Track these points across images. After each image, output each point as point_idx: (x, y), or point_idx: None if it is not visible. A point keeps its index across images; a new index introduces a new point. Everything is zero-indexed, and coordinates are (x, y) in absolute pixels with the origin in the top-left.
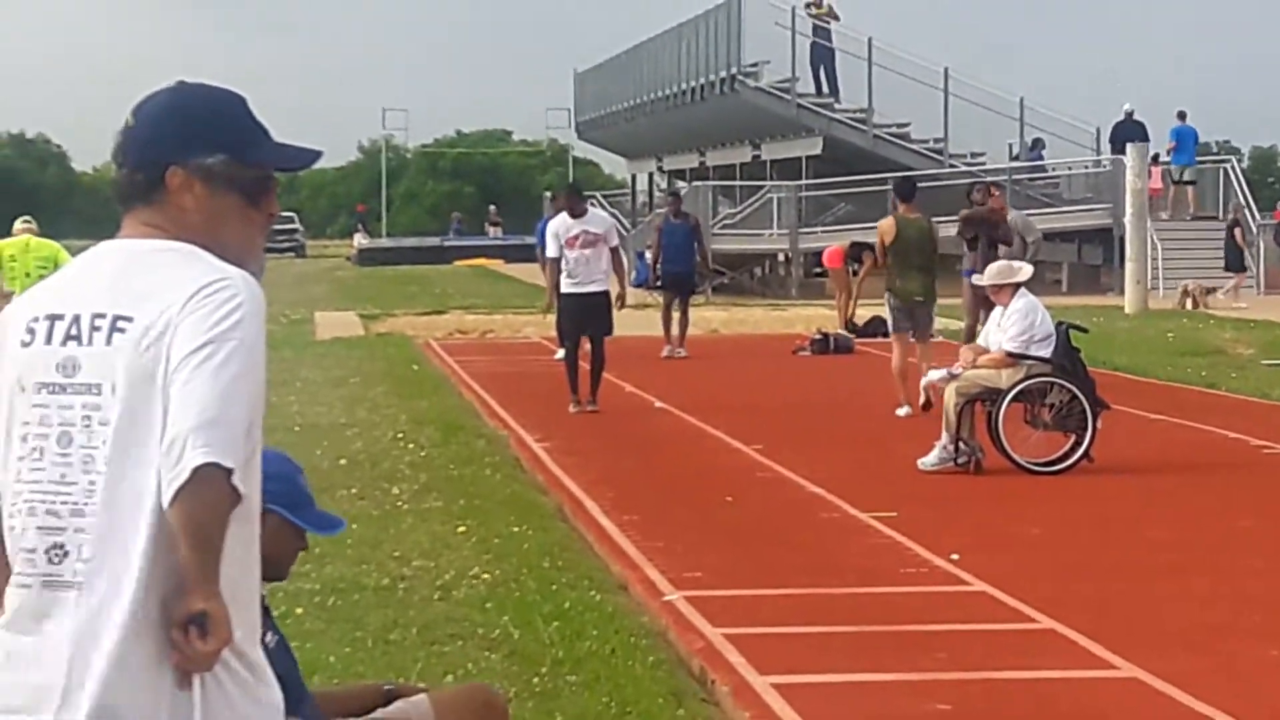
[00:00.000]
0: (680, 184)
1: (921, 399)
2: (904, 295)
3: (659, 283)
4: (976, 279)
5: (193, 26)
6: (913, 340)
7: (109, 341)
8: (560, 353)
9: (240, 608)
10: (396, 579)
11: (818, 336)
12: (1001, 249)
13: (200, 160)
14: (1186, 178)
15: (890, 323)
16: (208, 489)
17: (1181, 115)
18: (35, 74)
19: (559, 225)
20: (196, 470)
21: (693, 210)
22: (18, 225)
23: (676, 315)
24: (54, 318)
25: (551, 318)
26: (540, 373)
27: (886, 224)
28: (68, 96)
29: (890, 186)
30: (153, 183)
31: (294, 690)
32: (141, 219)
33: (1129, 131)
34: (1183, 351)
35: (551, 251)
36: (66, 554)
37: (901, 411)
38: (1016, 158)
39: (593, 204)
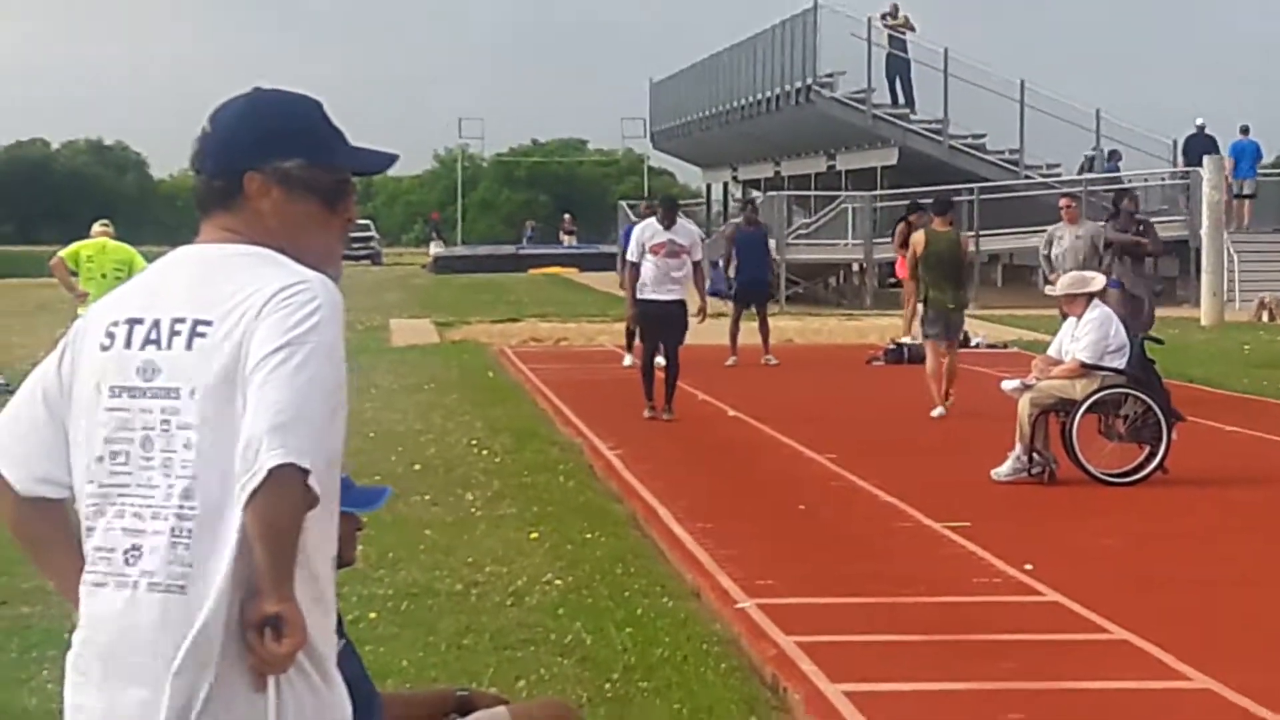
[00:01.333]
0: (755, 194)
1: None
2: (936, 304)
3: (732, 291)
4: (1049, 290)
5: (271, 35)
6: (944, 347)
7: (189, 346)
8: (628, 359)
9: (316, 610)
10: (469, 585)
11: (891, 346)
12: (1147, 261)
13: (277, 164)
14: (1246, 191)
15: (923, 330)
16: (282, 490)
17: (1244, 130)
18: (115, 81)
19: (645, 231)
20: (271, 471)
21: (768, 220)
22: (96, 228)
23: (753, 324)
24: (133, 322)
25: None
26: (614, 380)
27: (918, 237)
28: (147, 104)
29: (970, 197)
30: (230, 188)
31: (362, 694)
32: (219, 224)
33: (1200, 145)
34: (1259, 364)
35: (633, 256)
36: (142, 555)
37: (935, 413)
38: (1086, 169)
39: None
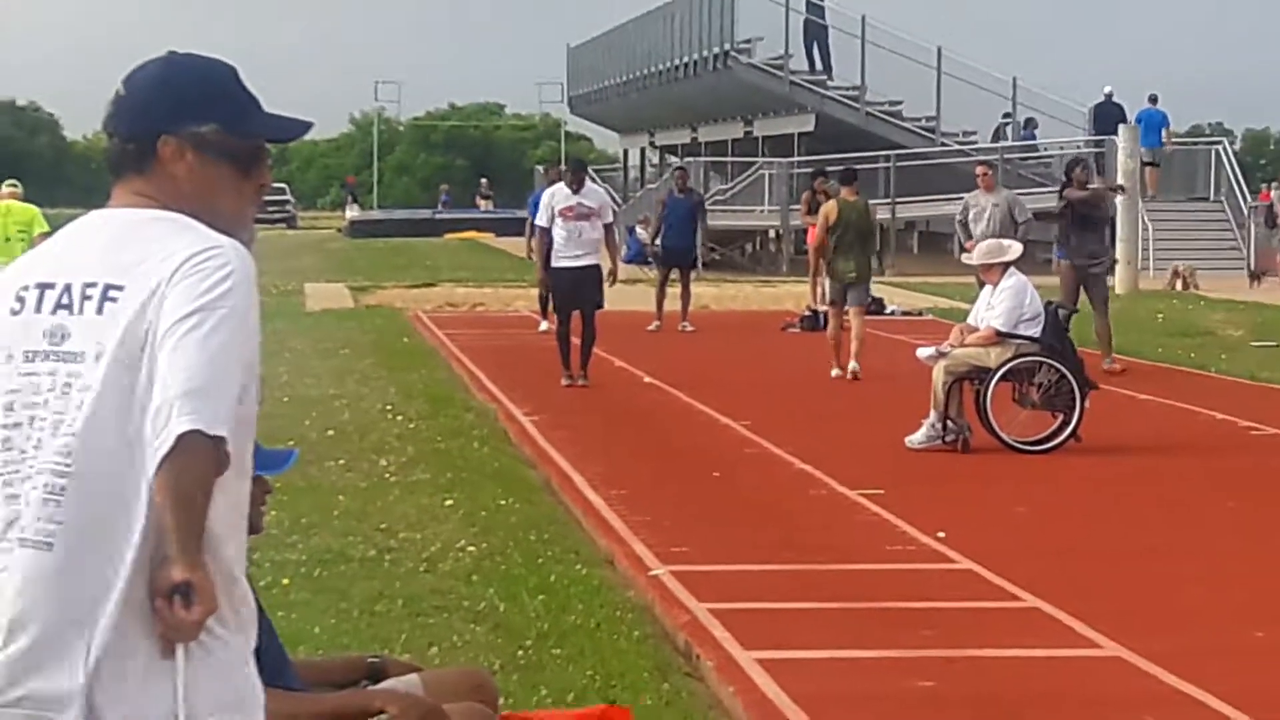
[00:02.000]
0: (672, 159)
1: (847, 372)
2: (840, 273)
3: (655, 257)
4: (966, 258)
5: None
6: (850, 314)
7: (100, 310)
8: (544, 325)
9: (225, 576)
10: (383, 551)
11: (807, 313)
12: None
13: (192, 129)
14: (1148, 159)
15: (827, 296)
16: (192, 457)
17: (1153, 99)
18: (26, 41)
19: (554, 196)
20: (181, 437)
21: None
22: (3, 189)
23: (676, 290)
24: (44, 286)
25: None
26: (530, 346)
27: (829, 206)
28: (59, 64)
29: (886, 164)
30: (144, 152)
31: (273, 659)
32: (132, 189)
33: (1109, 112)
34: (1172, 332)
35: (542, 221)
36: (36, 511)
37: (834, 373)
38: (1002, 137)
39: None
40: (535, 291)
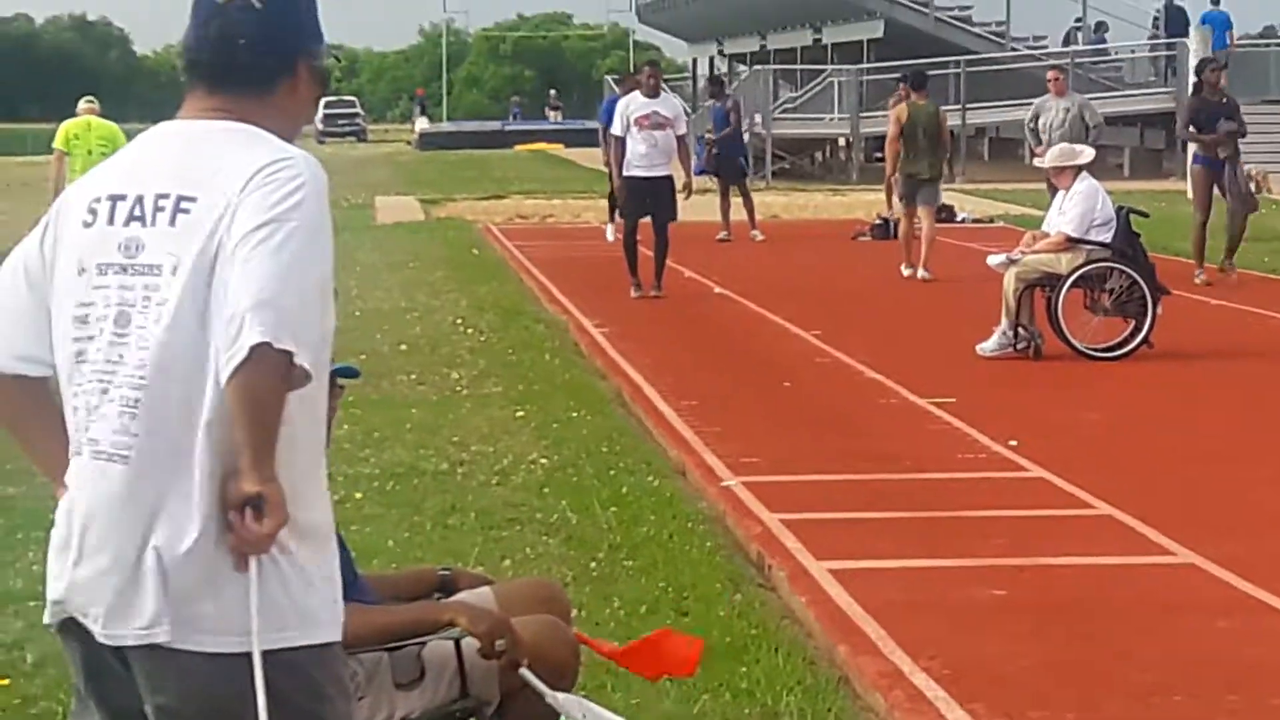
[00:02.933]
0: (741, 68)
1: (917, 273)
2: (912, 174)
3: (713, 168)
4: (1038, 162)
5: None
6: (920, 214)
7: (172, 222)
8: (610, 233)
9: (303, 487)
10: (455, 464)
11: (878, 221)
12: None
13: (319, 50)
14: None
15: (901, 197)
16: (263, 368)
17: (1215, 0)
18: None
19: (629, 104)
20: (253, 349)
21: (754, 94)
22: (81, 105)
23: (737, 200)
24: (116, 198)
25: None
26: (599, 258)
27: (900, 109)
28: None
29: (956, 70)
30: (281, 68)
31: (345, 573)
32: (213, 102)
33: (1173, 17)
34: (1246, 237)
35: (617, 129)
36: (93, 424)
37: (905, 271)
38: (1072, 41)
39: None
40: (604, 202)
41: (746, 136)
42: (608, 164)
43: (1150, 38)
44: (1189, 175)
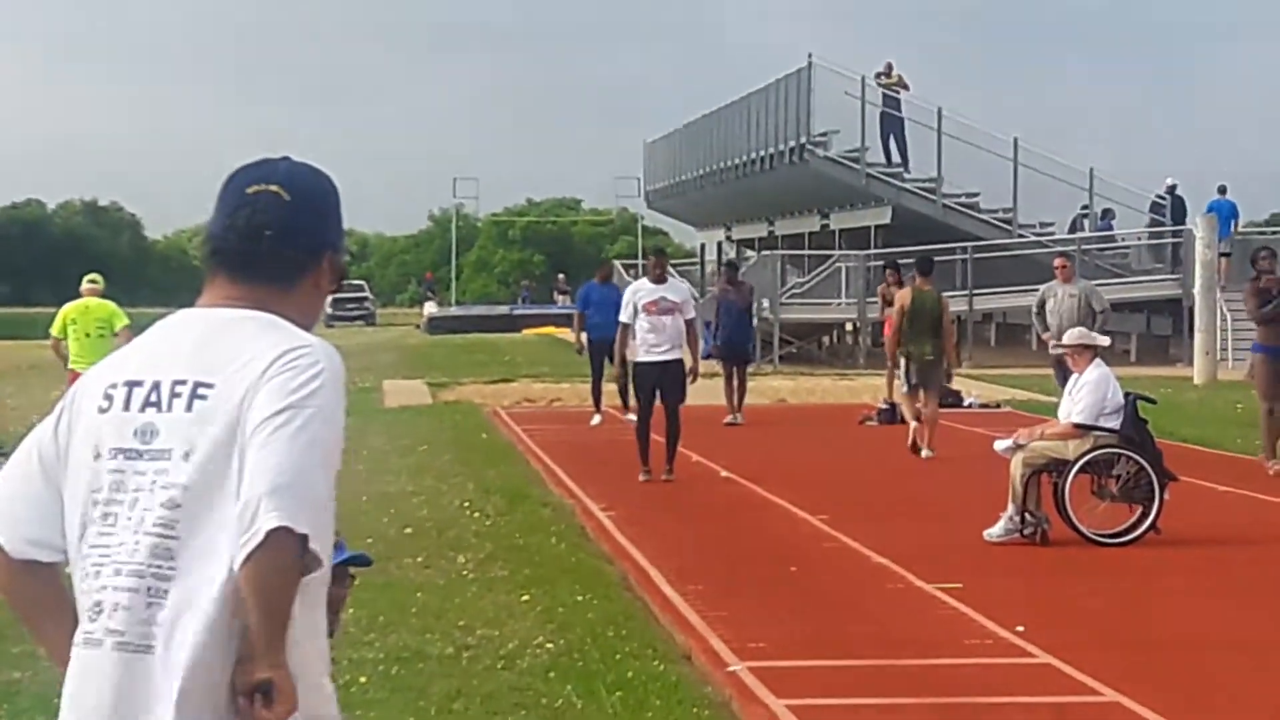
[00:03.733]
0: (749, 253)
1: (910, 441)
2: (916, 358)
3: (717, 355)
4: (1054, 345)
5: (264, 98)
6: (923, 397)
7: (189, 408)
8: (597, 419)
9: (307, 676)
10: (461, 648)
11: (884, 406)
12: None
13: (342, 244)
14: (1221, 250)
15: (904, 382)
16: (279, 553)
17: (1221, 189)
18: (108, 143)
19: (637, 291)
20: (269, 534)
21: (762, 279)
22: (84, 285)
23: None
24: (133, 384)
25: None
26: (606, 441)
27: (904, 294)
28: (141, 166)
29: (964, 256)
30: (306, 263)
31: None
32: (233, 291)
33: (1175, 205)
34: (1251, 423)
35: (624, 316)
36: (103, 612)
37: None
38: (1076, 228)
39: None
40: (613, 387)
41: (755, 321)
42: (580, 349)
43: (1150, 223)
44: (1250, 365)
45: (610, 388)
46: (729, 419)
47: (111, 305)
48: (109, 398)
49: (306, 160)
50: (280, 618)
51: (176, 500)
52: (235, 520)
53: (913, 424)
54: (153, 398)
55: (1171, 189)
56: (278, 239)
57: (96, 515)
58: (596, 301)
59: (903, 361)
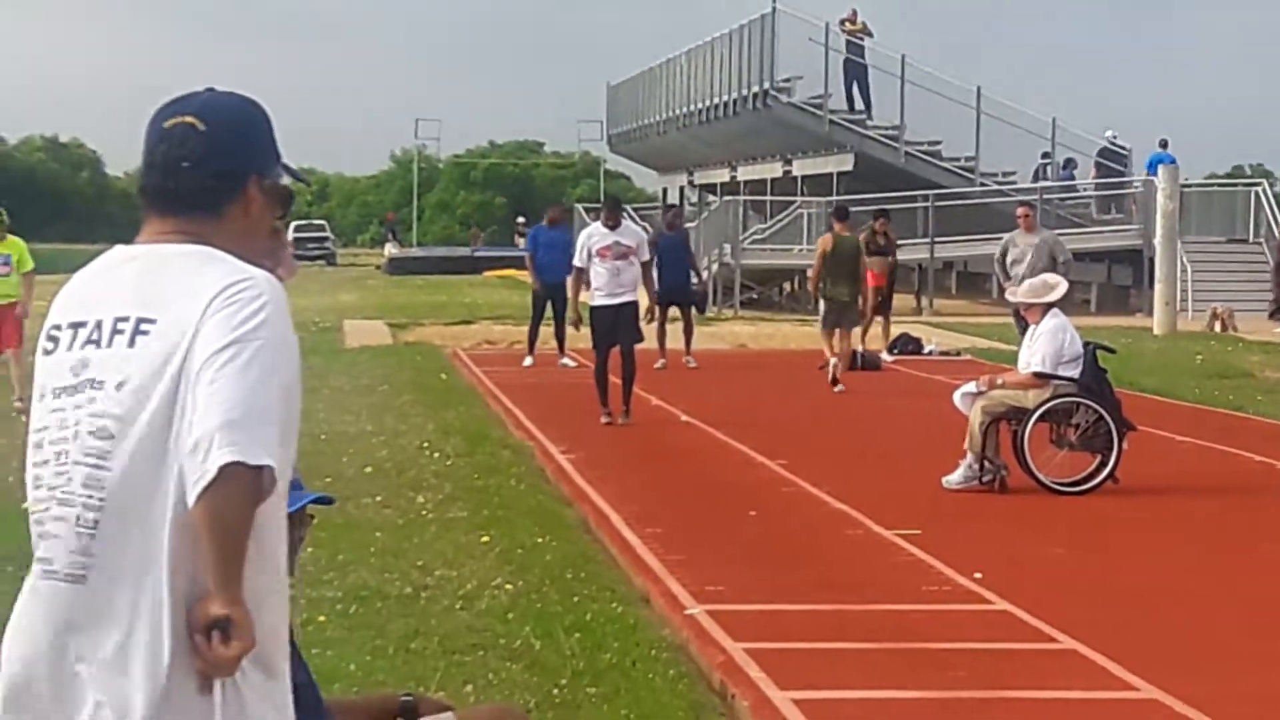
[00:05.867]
0: (711, 198)
1: (830, 376)
2: (835, 297)
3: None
4: (1010, 295)
5: (226, 35)
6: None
7: (131, 344)
8: (529, 360)
9: (264, 612)
10: (419, 588)
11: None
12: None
13: (273, 170)
14: None
15: (821, 320)
16: (233, 488)
17: (1163, 143)
18: (69, 80)
19: (591, 235)
20: (222, 469)
21: (724, 224)
22: None
23: (677, 327)
24: (76, 325)
25: (575, 328)
26: (566, 384)
27: (826, 239)
28: (102, 102)
29: (925, 204)
30: (230, 189)
31: (306, 698)
32: (171, 225)
33: (1111, 157)
34: (1210, 374)
35: (578, 261)
36: (60, 542)
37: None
38: (1038, 177)
39: (625, 217)
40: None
41: (716, 266)
42: (536, 291)
43: (1099, 173)
44: None
45: (546, 330)
46: (660, 364)
47: (19, 241)
48: (54, 339)
49: (237, 91)
50: (236, 553)
51: (109, 430)
52: (187, 456)
53: (832, 360)
54: (94, 335)
55: (1112, 139)
56: (195, 168)
57: (40, 457)
58: (544, 244)
59: (822, 303)
